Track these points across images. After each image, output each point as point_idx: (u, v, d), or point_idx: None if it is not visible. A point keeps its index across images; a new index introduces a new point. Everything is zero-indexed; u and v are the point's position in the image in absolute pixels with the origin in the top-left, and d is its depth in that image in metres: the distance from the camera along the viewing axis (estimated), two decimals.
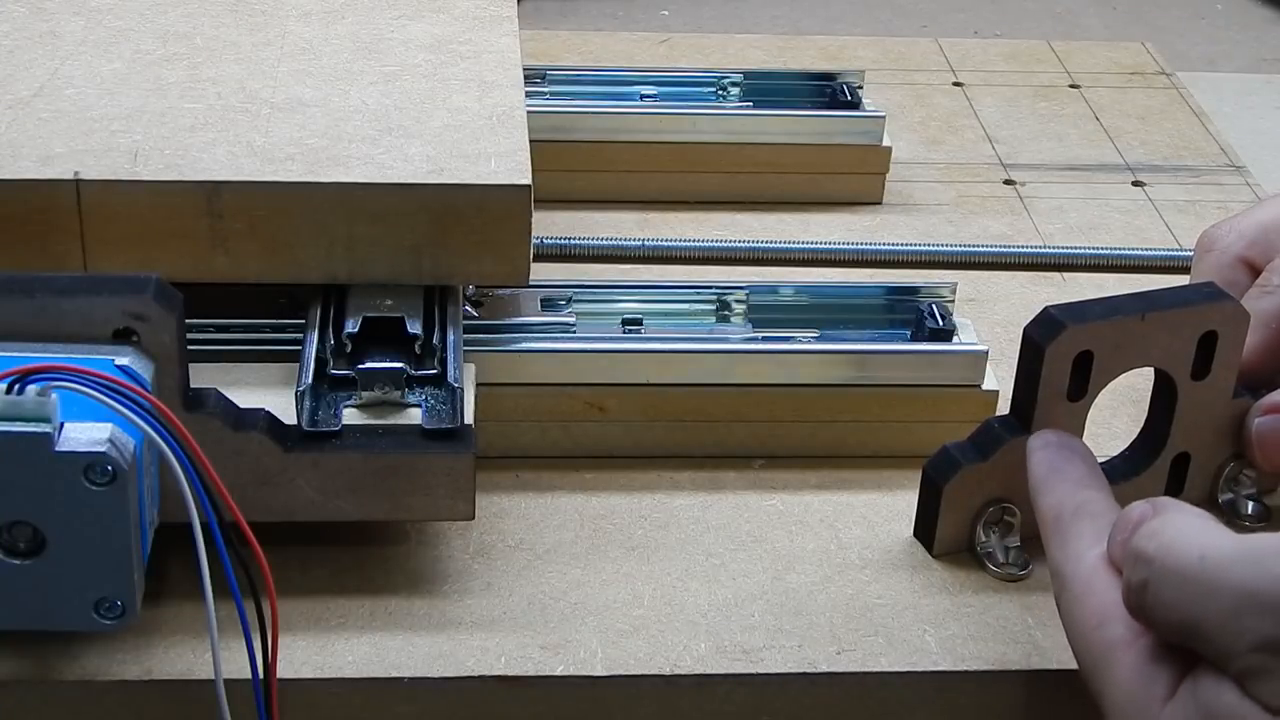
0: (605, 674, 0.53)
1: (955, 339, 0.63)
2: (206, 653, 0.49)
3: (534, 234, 0.57)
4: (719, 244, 0.75)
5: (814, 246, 0.75)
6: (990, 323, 0.71)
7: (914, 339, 0.64)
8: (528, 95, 0.65)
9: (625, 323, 0.64)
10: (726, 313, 0.65)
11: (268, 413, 0.53)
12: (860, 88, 0.81)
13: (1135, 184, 0.84)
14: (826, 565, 0.58)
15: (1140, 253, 0.77)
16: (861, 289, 0.67)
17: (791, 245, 0.75)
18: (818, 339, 0.64)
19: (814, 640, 0.55)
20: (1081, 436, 0.57)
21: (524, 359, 0.61)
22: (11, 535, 0.48)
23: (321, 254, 0.57)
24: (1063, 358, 0.55)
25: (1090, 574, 0.50)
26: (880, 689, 0.54)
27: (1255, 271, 0.63)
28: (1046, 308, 0.56)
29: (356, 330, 0.56)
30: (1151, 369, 0.58)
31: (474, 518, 0.54)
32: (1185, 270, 0.69)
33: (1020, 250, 0.77)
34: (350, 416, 0.54)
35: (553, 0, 1.23)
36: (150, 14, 0.68)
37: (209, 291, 0.57)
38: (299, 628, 0.54)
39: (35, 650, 0.52)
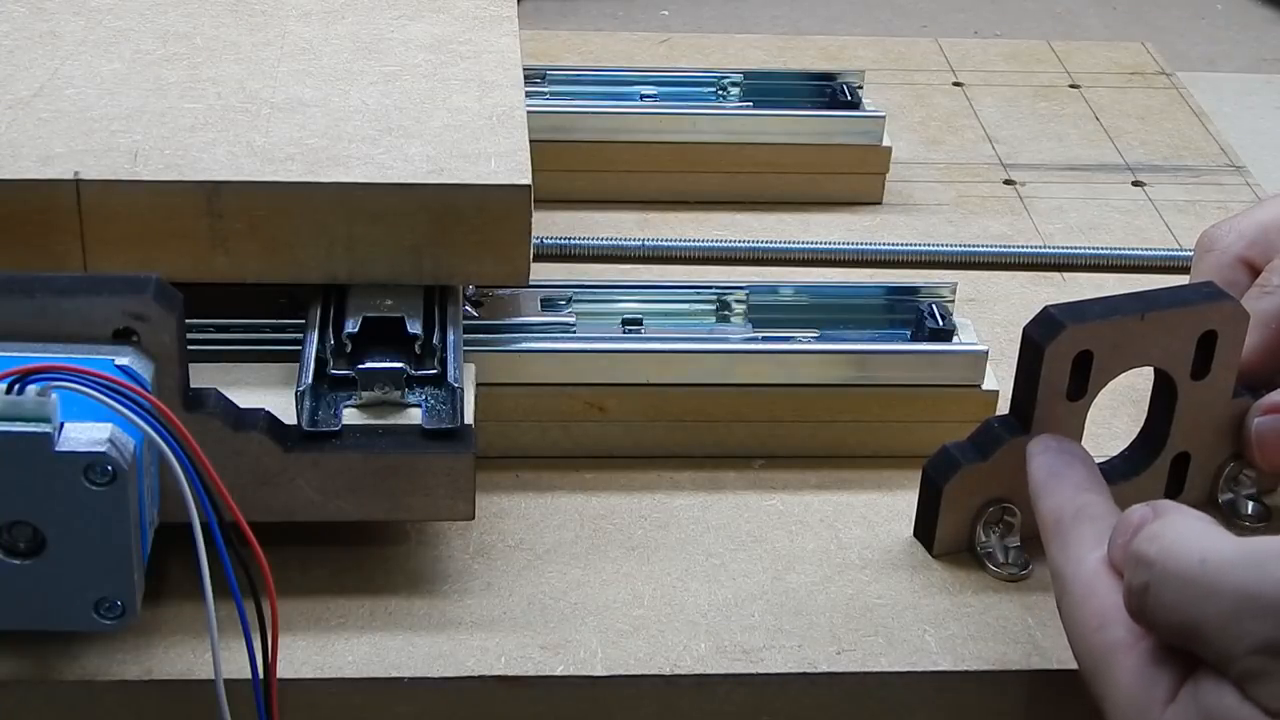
0: (605, 674, 0.53)
1: (955, 339, 0.63)
2: (206, 653, 0.49)
3: (534, 234, 0.57)
4: (719, 244, 0.75)
5: (814, 246, 0.75)
6: (990, 323, 0.71)
7: (914, 339, 0.64)
8: (528, 95, 0.65)
9: (625, 323, 0.64)
10: (726, 313, 0.65)
11: (268, 413, 0.53)
12: (860, 88, 0.81)
13: (1135, 184, 0.84)
14: (826, 565, 0.58)
15: (1140, 253, 0.77)
16: (861, 289, 0.67)
17: (791, 245, 0.75)
18: (818, 339, 0.64)
19: (814, 640, 0.55)
20: (1081, 436, 0.57)
21: (524, 359, 0.61)
22: (11, 535, 0.48)
23: (321, 254, 0.57)
24: (1062, 357, 0.55)
25: (1091, 577, 0.50)
26: (880, 689, 0.54)
27: (1255, 271, 0.63)
28: (1046, 307, 0.56)
29: (356, 330, 0.56)
30: (1151, 369, 0.58)
31: (474, 518, 0.54)
32: (1185, 270, 0.69)
33: (1020, 250, 0.77)
34: (350, 416, 0.54)
35: (553, 0, 1.23)
36: (150, 14, 0.68)
37: (209, 291, 0.57)
38: (299, 628, 0.54)
39: (35, 650, 0.52)
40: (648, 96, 0.81)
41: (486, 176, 0.57)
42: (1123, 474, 0.60)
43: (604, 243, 0.75)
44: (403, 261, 0.57)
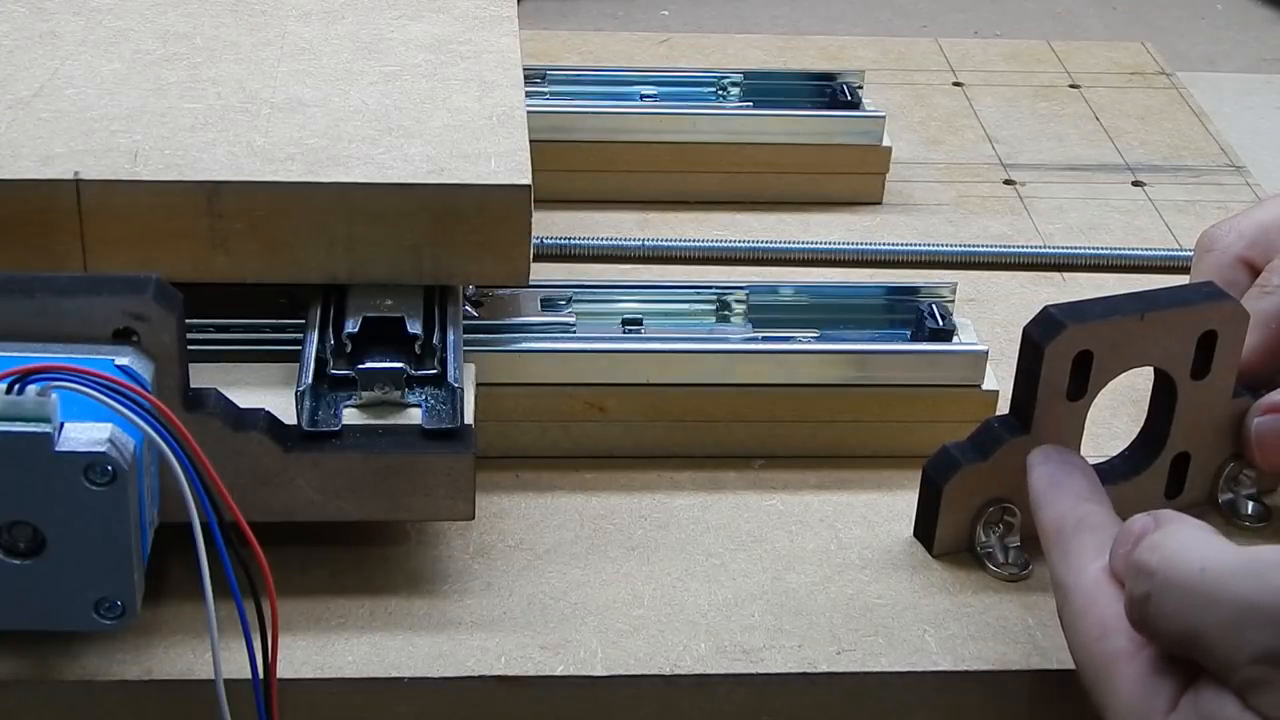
0: (605, 674, 0.53)
1: (955, 339, 0.63)
2: (206, 653, 0.49)
3: (534, 234, 0.57)
4: (719, 244, 0.75)
5: (814, 246, 0.75)
6: (990, 323, 0.71)
7: (914, 339, 0.64)
8: (528, 95, 0.65)
9: (625, 323, 0.64)
10: (726, 313, 0.65)
11: (268, 413, 0.53)
12: (860, 88, 0.81)
13: (1135, 184, 0.84)
14: (826, 565, 0.58)
15: (1140, 253, 0.77)
16: (861, 289, 0.67)
17: (791, 245, 0.76)
18: (818, 339, 0.64)
19: (814, 640, 0.55)
20: (1081, 436, 0.57)
21: (524, 359, 0.61)
22: (11, 535, 0.48)
23: (321, 254, 0.57)
24: (1062, 357, 0.55)
25: (1092, 586, 0.50)
26: (880, 689, 0.54)
27: (1255, 271, 0.63)
28: (1046, 307, 0.56)
29: (356, 330, 0.56)
30: (1151, 369, 0.58)
31: (474, 518, 0.54)
32: (1185, 270, 0.69)
33: (1020, 250, 0.77)
34: (350, 416, 0.54)
35: (553, 0, 1.23)
36: (150, 14, 0.68)
37: (209, 291, 0.57)
38: (299, 628, 0.54)
39: (35, 650, 0.52)
40: (648, 96, 0.81)
41: (486, 176, 0.57)
42: (1123, 474, 0.60)
43: (604, 243, 0.75)
44: (403, 261, 0.57)
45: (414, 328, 0.56)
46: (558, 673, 0.53)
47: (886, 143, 0.79)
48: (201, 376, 0.53)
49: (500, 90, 0.63)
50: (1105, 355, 0.56)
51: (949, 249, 0.76)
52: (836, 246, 0.75)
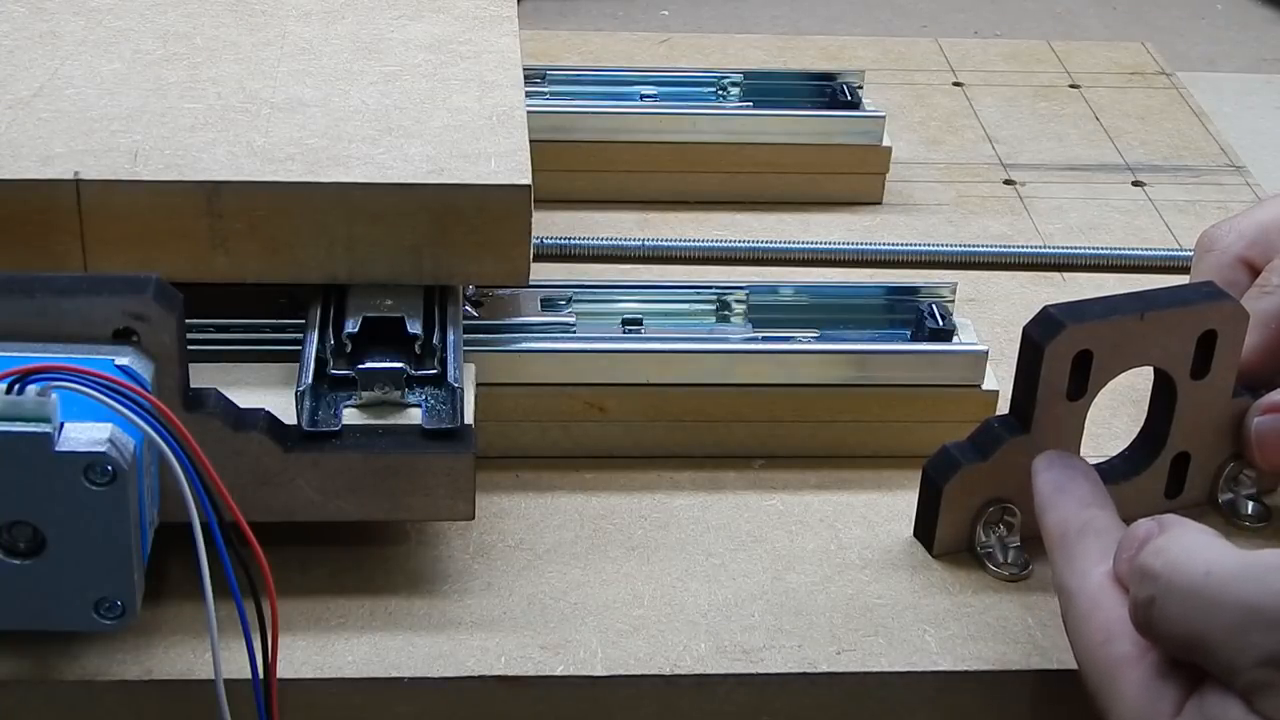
0: (605, 674, 0.53)
1: (955, 339, 0.63)
2: (206, 653, 0.49)
3: (534, 234, 0.57)
4: (719, 244, 0.75)
5: (814, 246, 0.75)
6: (990, 323, 0.71)
7: (914, 339, 0.64)
8: (528, 95, 0.65)
9: (625, 323, 0.64)
10: (726, 313, 0.65)
11: (268, 413, 0.53)
12: (860, 88, 0.81)
13: (1135, 184, 0.84)
14: (826, 565, 0.58)
15: (1140, 253, 0.77)
16: (861, 289, 0.67)
17: (791, 245, 0.76)
18: (818, 339, 0.64)
19: (814, 640, 0.55)
20: (1081, 436, 0.57)
21: (524, 359, 0.61)
22: (11, 535, 0.48)
23: (321, 254, 0.57)
24: (1062, 357, 0.55)
25: (1096, 590, 0.50)
26: (880, 689, 0.54)
27: (1255, 271, 0.63)
28: (1046, 307, 0.56)
29: (356, 330, 0.56)
30: (1151, 369, 0.58)
31: (474, 518, 0.54)
32: (1185, 270, 0.69)
33: (1020, 250, 0.77)
34: (350, 416, 0.54)
35: (553, 0, 1.23)
36: (150, 14, 0.68)
37: (209, 291, 0.56)
38: (299, 628, 0.54)
39: (35, 650, 0.52)
40: (648, 96, 0.81)
41: (486, 176, 0.57)
42: (1123, 474, 0.60)
43: (604, 243, 0.75)
44: (403, 261, 0.57)
45: (414, 328, 0.56)
46: (558, 673, 0.53)
47: (886, 143, 0.79)
48: (201, 376, 0.53)
49: (500, 90, 0.63)
50: (1105, 355, 0.56)
51: (949, 249, 0.76)
52: (836, 246, 0.75)
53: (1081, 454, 0.58)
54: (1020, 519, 0.58)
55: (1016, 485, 0.57)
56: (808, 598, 0.57)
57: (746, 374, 0.62)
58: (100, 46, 0.65)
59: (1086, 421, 0.57)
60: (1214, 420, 0.60)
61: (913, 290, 0.65)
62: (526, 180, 0.57)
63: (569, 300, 0.64)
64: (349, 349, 0.56)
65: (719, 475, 0.62)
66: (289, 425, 0.54)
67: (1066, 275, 0.76)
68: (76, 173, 0.55)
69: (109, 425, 0.47)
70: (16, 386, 0.46)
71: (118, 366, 0.49)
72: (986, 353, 0.63)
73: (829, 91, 0.82)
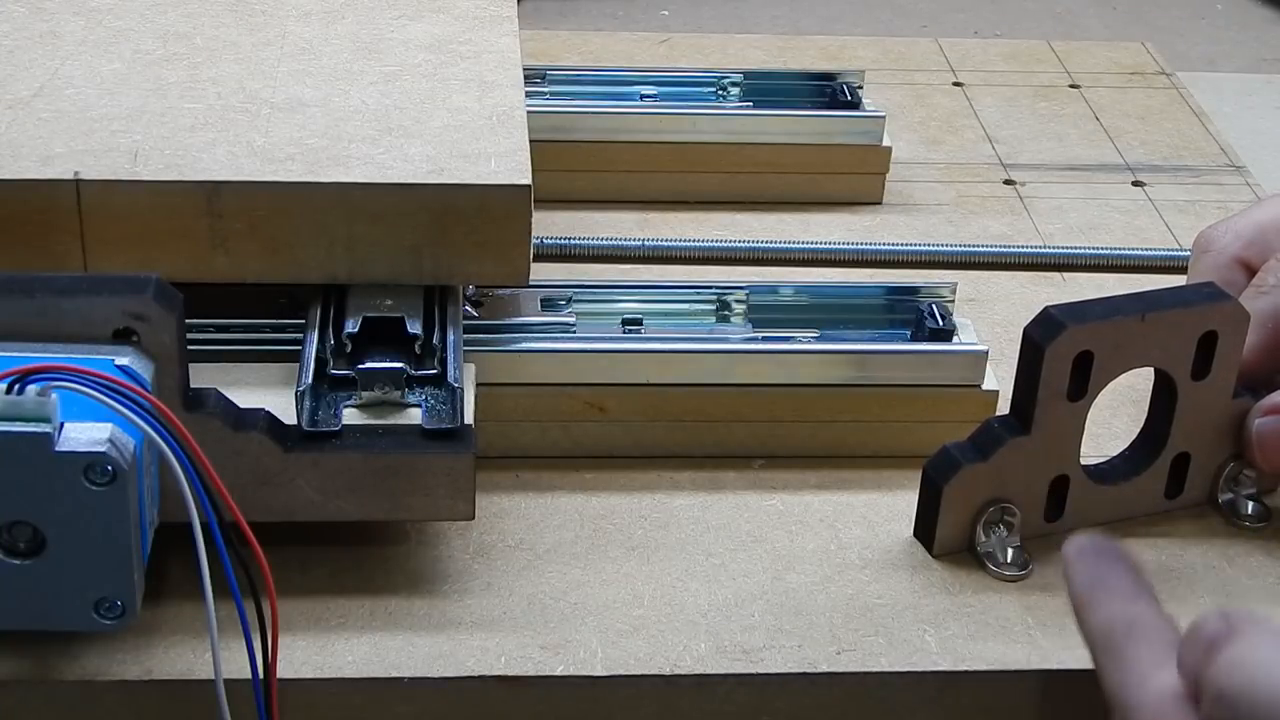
0: (605, 674, 0.53)
1: (955, 339, 0.63)
2: (206, 653, 0.49)
3: (534, 234, 0.57)
4: (719, 244, 0.75)
5: (814, 246, 0.75)
6: (990, 323, 0.71)
7: (914, 339, 0.64)
8: (528, 95, 0.65)
9: (625, 323, 0.64)
10: (726, 313, 0.65)
11: (268, 413, 0.53)
12: (860, 88, 0.81)
13: (1135, 184, 0.84)
14: (826, 565, 0.58)
15: (1140, 253, 0.77)
16: (861, 289, 0.67)
17: (791, 245, 0.75)
18: (818, 339, 0.64)
19: (814, 640, 0.55)
20: (1081, 436, 0.57)
21: (524, 359, 0.61)
22: (11, 535, 0.48)
23: (321, 254, 0.57)
24: (1063, 358, 0.55)
25: (1159, 703, 0.45)
26: (880, 689, 0.54)
27: (1252, 272, 0.63)
28: (1046, 308, 0.56)
29: (356, 330, 0.56)
30: (1151, 369, 0.58)
31: (474, 518, 0.54)
32: (1185, 270, 0.69)
33: (1020, 250, 0.77)
34: (350, 416, 0.54)
35: (553, 0, 1.23)
36: (150, 14, 0.68)
37: (209, 291, 0.56)
38: (299, 628, 0.54)
39: (35, 650, 0.52)
40: (648, 96, 0.81)
41: (486, 176, 0.57)
42: (1123, 474, 0.60)
43: (604, 243, 0.75)
44: (403, 261, 0.57)
45: (414, 328, 0.56)
46: (558, 673, 0.53)
47: (886, 143, 0.79)
48: (201, 376, 0.53)
49: (500, 90, 0.63)
50: (1106, 356, 0.56)
51: (949, 249, 0.76)
52: (836, 246, 0.75)
53: (1081, 454, 0.58)
54: (1020, 519, 0.58)
55: (1017, 485, 0.57)
56: (808, 598, 0.57)
57: (746, 374, 0.62)
58: (100, 46, 0.65)
59: (1086, 421, 0.57)
60: (1214, 421, 0.60)
61: (913, 290, 0.65)
62: (526, 180, 0.57)
63: (569, 300, 0.64)
64: (349, 349, 0.56)
65: (719, 475, 0.62)
66: (289, 425, 0.54)
67: (1066, 275, 0.76)
68: (76, 173, 0.55)
69: (109, 425, 0.47)
70: (16, 386, 0.46)
71: (118, 366, 0.49)
72: (986, 353, 0.63)
73: (829, 91, 0.82)
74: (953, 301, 0.65)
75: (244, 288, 0.57)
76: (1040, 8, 1.30)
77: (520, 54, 0.67)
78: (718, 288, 0.66)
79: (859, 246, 0.75)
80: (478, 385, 0.58)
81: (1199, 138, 0.89)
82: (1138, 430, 0.61)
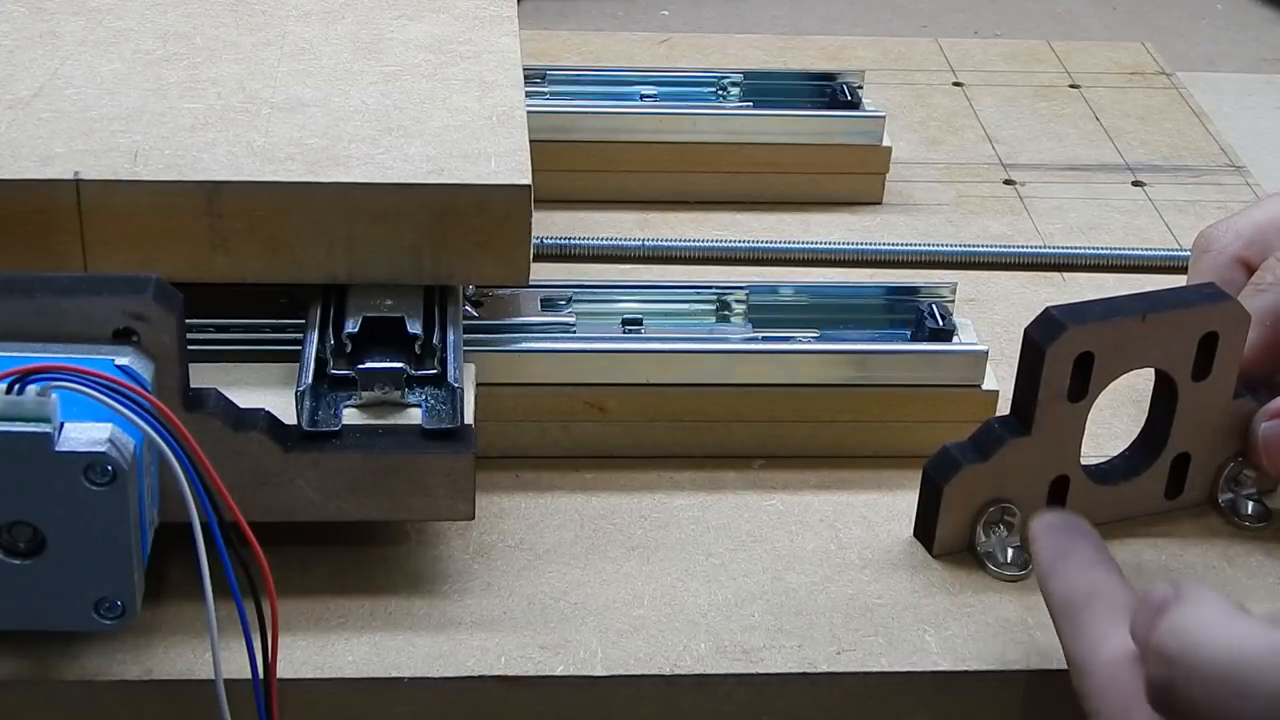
0: (605, 674, 0.53)
1: (955, 339, 0.63)
2: (206, 653, 0.49)
3: (534, 234, 0.57)
4: (719, 244, 0.75)
5: (814, 246, 0.75)
6: (990, 323, 0.71)
7: (914, 339, 0.64)
8: (528, 95, 0.65)
9: (625, 323, 0.64)
10: (726, 313, 0.65)
11: (268, 413, 0.53)
12: (860, 88, 0.81)
13: (1135, 184, 0.84)
14: (826, 565, 0.58)
15: (1140, 253, 0.77)
16: (861, 289, 0.67)
17: (791, 245, 0.76)
18: (818, 339, 0.64)
19: (814, 640, 0.55)
20: (1081, 437, 0.57)
21: (524, 359, 0.61)
22: (11, 535, 0.48)
23: (321, 254, 0.57)
24: (1063, 359, 0.55)
25: (1111, 664, 0.48)
26: (880, 689, 0.54)
27: (1252, 271, 0.63)
28: (1047, 308, 0.56)
29: (356, 330, 0.56)
30: (1152, 369, 0.58)
31: (474, 518, 0.54)
32: (1185, 270, 0.69)
33: (1020, 250, 0.77)
34: (350, 416, 0.54)
35: (553, 0, 1.23)
36: (150, 14, 0.68)
37: (209, 291, 0.56)
38: (299, 628, 0.54)
39: (35, 650, 0.52)
40: (648, 96, 0.81)
41: (486, 176, 0.57)
42: (1123, 474, 0.60)
43: (604, 243, 0.75)
44: (403, 261, 0.57)
45: (414, 328, 0.56)
46: (558, 673, 0.53)
47: (886, 143, 0.79)
48: (201, 376, 0.53)
49: (500, 90, 0.63)
50: (1106, 356, 0.56)
51: (949, 249, 0.76)
52: (836, 246, 0.75)
53: (1081, 454, 0.58)
54: (1020, 519, 0.58)
55: (1017, 486, 0.57)
56: (808, 598, 0.57)
57: (746, 374, 0.62)
58: (100, 46, 0.65)
59: (1087, 422, 0.57)
60: (1215, 421, 0.60)
61: (913, 290, 0.65)
62: (526, 180, 0.57)
63: (569, 300, 0.64)
64: (349, 349, 0.56)
65: (719, 475, 0.62)
66: (289, 425, 0.54)
67: (1066, 275, 0.76)
68: (76, 173, 0.55)
69: (109, 425, 0.47)
70: (16, 386, 0.46)
71: (118, 366, 0.49)
72: (986, 353, 0.63)
73: (829, 91, 0.82)
74: (953, 301, 0.65)
75: (244, 288, 0.57)
76: (1040, 8, 1.30)
77: (520, 54, 0.67)
78: (718, 288, 0.66)
79: (859, 246, 0.75)
80: (478, 385, 0.58)
81: (1199, 138, 0.89)
82: (1138, 430, 0.61)
